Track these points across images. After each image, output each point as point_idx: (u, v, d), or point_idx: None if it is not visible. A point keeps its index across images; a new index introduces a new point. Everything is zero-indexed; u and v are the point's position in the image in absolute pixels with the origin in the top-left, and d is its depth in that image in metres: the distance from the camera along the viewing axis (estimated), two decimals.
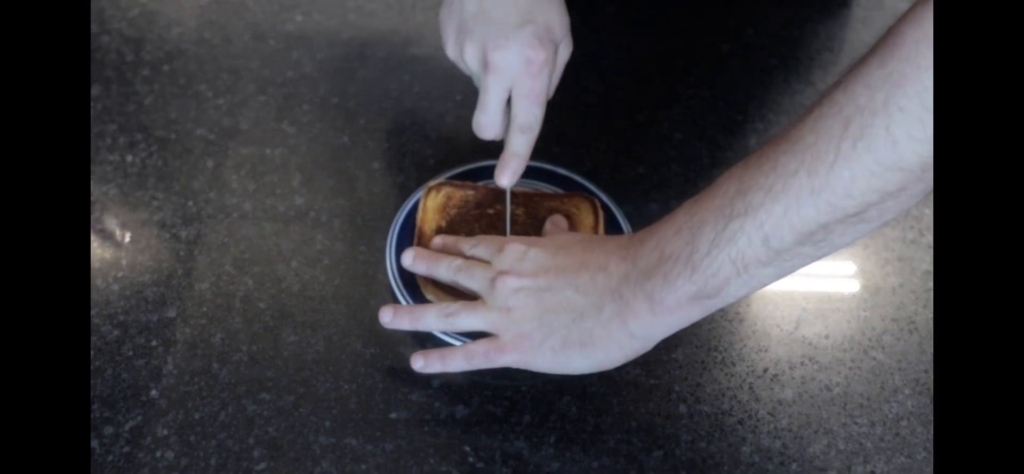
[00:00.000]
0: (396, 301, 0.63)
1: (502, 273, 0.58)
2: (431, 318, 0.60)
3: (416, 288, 0.64)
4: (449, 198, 0.68)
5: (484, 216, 0.67)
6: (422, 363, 0.59)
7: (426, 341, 0.62)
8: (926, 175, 0.45)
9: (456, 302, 0.60)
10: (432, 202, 0.67)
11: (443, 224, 0.67)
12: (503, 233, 0.66)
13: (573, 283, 0.56)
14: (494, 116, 0.60)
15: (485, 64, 0.58)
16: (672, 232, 0.53)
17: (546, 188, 0.70)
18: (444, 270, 0.62)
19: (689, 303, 0.53)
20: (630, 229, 0.68)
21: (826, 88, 0.48)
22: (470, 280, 0.60)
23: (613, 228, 0.68)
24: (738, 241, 0.50)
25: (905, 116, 0.43)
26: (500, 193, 0.68)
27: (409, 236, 0.66)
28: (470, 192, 0.68)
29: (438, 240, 0.65)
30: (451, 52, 0.62)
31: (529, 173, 0.69)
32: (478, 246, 0.62)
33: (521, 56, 0.58)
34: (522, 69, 0.58)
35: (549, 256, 0.58)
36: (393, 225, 0.67)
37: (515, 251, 0.59)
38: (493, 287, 0.58)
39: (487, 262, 0.61)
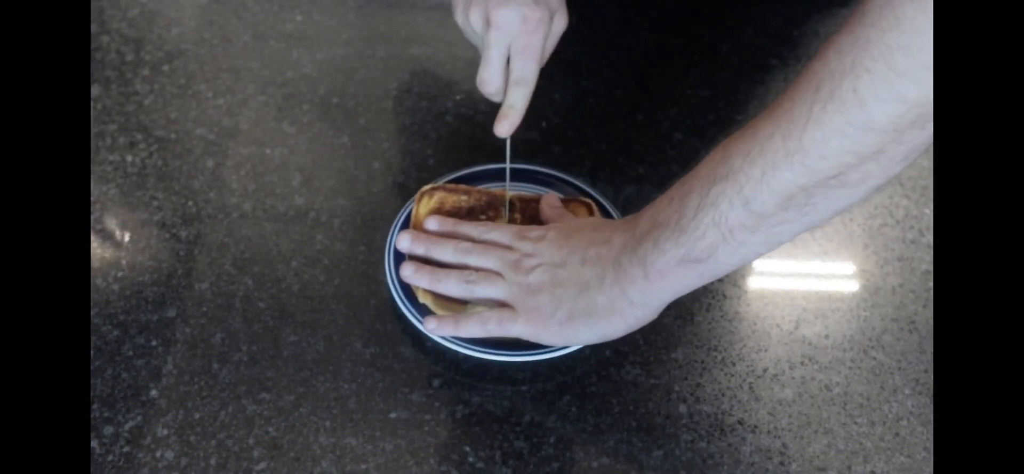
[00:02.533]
0: (395, 306, 0.63)
1: (527, 255, 0.61)
2: (452, 283, 0.62)
3: (416, 296, 0.64)
4: (442, 203, 0.68)
5: (477, 222, 0.67)
6: (435, 325, 0.61)
7: (421, 353, 0.62)
8: (902, 136, 0.46)
9: (476, 272, 0.62)
10: (425, 208, 0.67)
11: None
12: None
13: (582, 258, 0.59)
14: (496, 71, 0.64)
15: (487, 23, 0.64)
16: (665, 202, 0.56)
17: (544, 193, 0.70)
18: (450, 252, 0.64)
19: (678, 267, 0.54)
20: None
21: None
22: (485, 259, 0.62)
23: None
24: (720, 204, 0.51)
25: (871, 76, 0.45)
26: (493, 198, 0.68)
27: None
28: (463, 197, 0.68)
29: (433, 221, 0.66)
30: (459, 18, 0.67)
31: (527, 178, 0.70)
32: (492, 232, 0.64)
33: (519, 14, 0.63)
34: (520, 26, 0.63)
35: (564, 236, 0.62)
36: (391, 233, 0.67)
37: (536, 235, 0.63)
38: (515, 267, 0.61)
39: (500, 245, 0.63)
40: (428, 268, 0.63)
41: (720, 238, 0.52)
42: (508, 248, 0.63)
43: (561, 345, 0.60)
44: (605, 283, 0.57)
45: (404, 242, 0.65)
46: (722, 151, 0.52)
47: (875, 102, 0.45)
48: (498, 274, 0.62)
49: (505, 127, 0.65)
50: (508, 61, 0.65)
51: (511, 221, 0.67)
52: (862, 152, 0.47)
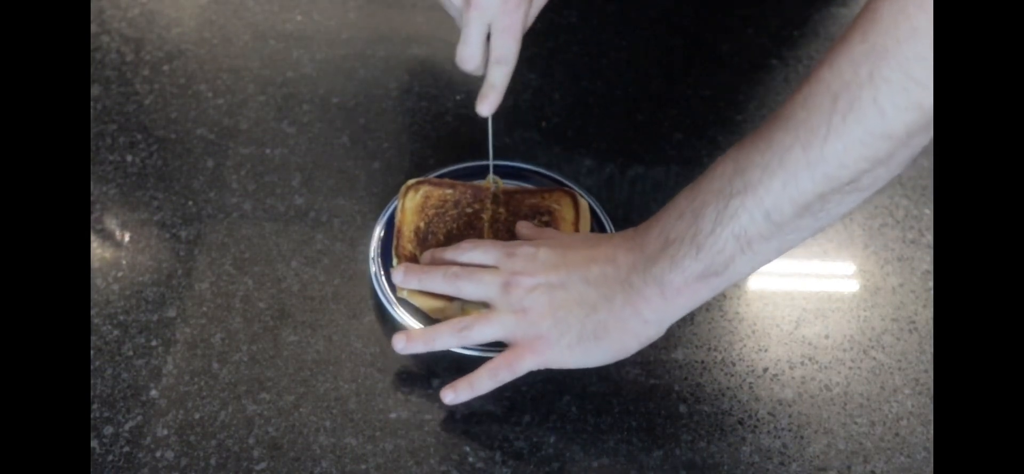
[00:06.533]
0: (382, 307, 0.63)
1: (515, 274, 0.59)
2: (446, 337, 0.60)
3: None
4: (427, 197, 0.67)
5: (463, 215, 0.67)
6: (453, 395, 0.59)
7: (421, 353, 0.62)
8: (912, 140, 0.47)
9: (467, 316, 0.60)
10: (410, 202, 0.67)
11: (421, 224, 0.66)
12: (482, 234, 0.66)
13: (584, 277, 0.57)
14: (475, 49, 0.63)
15: (467, 1, 0.62)
16: (674, 217, 0.55)
17: (527, 187, 0.71)
18: (440, 281, 0.61)
19: (697, 282, 0.54)
20: (610, 223, 0.68)
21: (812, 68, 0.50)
22: (476, 287, 0.60)
23: (594, 222, 0.69)
24: (740, 218, 0.51)
25: (890, 87, 0.45)
26: (478, 192, 0.68)
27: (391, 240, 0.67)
28: (448, 191, 0.68)
29: (427, 255, 0.64)
30: None
31: (512, 174, 0.70)
32: (473, 251, 0.62)
33: None
34: (499, 5, 0.61)
35: (558, 254, 0.59)
36: (376, 229, 0.67)
37: (525, 253, 0.60)
38: (506, 290, 0.59)
39: (485, 266, 0.61)
40: (419, 333, 0.61)
41: (738, 250, 0.52)
42: (495, 268, 0.60)
43: (571, 367, 0.59)
44: (615, 303, 0.56)
45: (397, 277, 0.63)
46: (732, 163, 0.52)
47: (894, 111, 0.46)
48: (492, 308, 0.59)
49: (486, 106, 0.64)
50: (488, 38, 0.63)
51: (496, 214, 0.67)
52: (878, 158, 0.48)
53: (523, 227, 0.66)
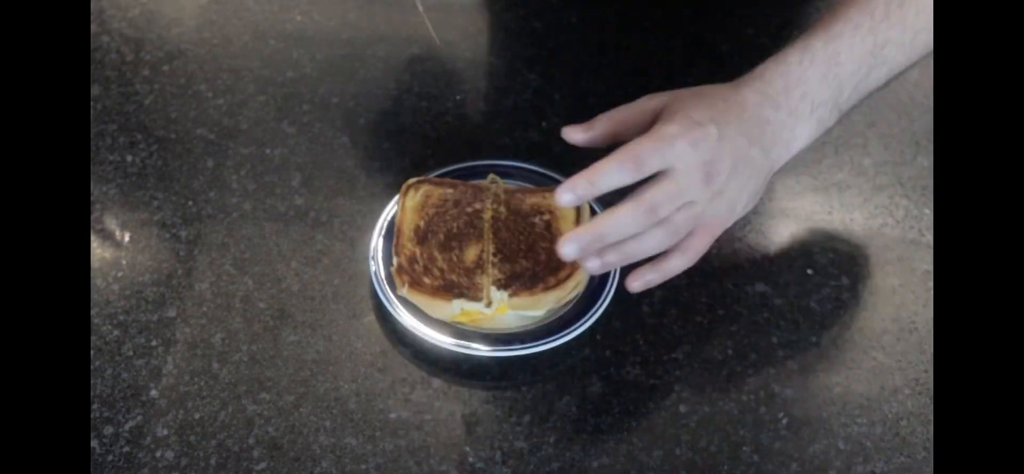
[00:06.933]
0: (382, 307, 0.63)
1: (710, 164, 0.57)
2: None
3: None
4: (428, 196, 0.68)
5: (463, 214, 0.67)
6: (640, 282, 0.60)
7: (421, 353, 0.62)
8: None
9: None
10: (410, 201, 0.67)
11: (421, 223, 0.66)
12: (481, 232, 0.66)
13: (757, 143, 0.60)
14: None
15: None
16: (817, 79, 0.60)
17: (528, 186, 0.71)
18: (629, 220, 0.56)
19: (822, 136, 0.63)
20: None
21: None
22: (677, 197, 0.57)
23: None
24: (872, 81, 0.61)
25: None
26: (478, 191, 0.68)
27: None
28: (448, 190, 0.68)
29: (584, 183, 0.57)
30: None
31: (512, 174, 0.71)
32: (643, 160, 0.56)
33: None
34: None
35: (726, 126, 0.58)
36: (376, 231, 0.67)
37: (705, 135, 0.57)
38: (709, 180, 0.57)
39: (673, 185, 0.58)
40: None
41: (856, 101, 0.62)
42: (677, 176, 0.57)
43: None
44: (772, 157, 0.61)
45: (571, 250, 0.57)
46: (871, 37, 0.59)
47: None
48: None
49: None
50: None
51: (496, 214, 0.67)
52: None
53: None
